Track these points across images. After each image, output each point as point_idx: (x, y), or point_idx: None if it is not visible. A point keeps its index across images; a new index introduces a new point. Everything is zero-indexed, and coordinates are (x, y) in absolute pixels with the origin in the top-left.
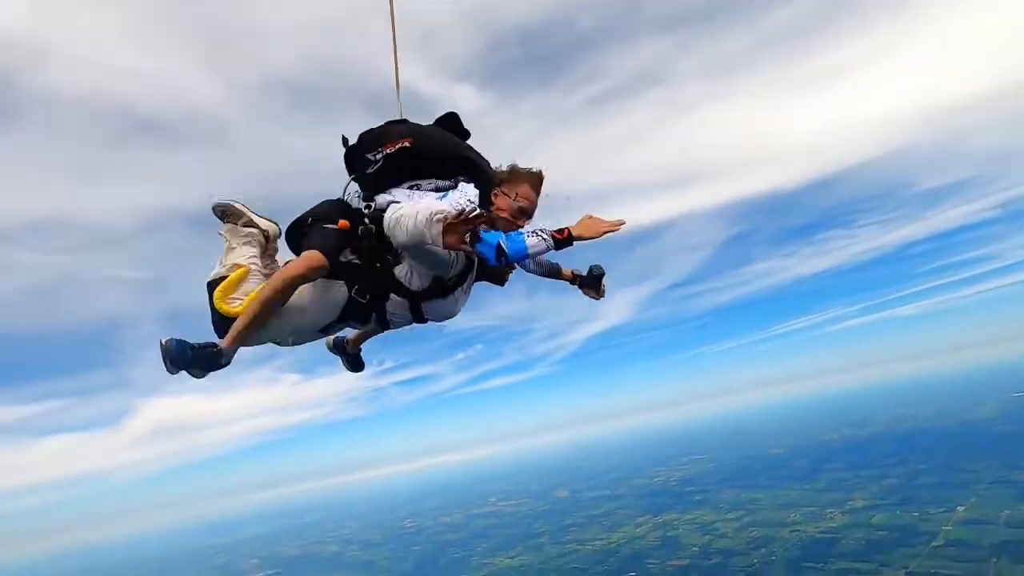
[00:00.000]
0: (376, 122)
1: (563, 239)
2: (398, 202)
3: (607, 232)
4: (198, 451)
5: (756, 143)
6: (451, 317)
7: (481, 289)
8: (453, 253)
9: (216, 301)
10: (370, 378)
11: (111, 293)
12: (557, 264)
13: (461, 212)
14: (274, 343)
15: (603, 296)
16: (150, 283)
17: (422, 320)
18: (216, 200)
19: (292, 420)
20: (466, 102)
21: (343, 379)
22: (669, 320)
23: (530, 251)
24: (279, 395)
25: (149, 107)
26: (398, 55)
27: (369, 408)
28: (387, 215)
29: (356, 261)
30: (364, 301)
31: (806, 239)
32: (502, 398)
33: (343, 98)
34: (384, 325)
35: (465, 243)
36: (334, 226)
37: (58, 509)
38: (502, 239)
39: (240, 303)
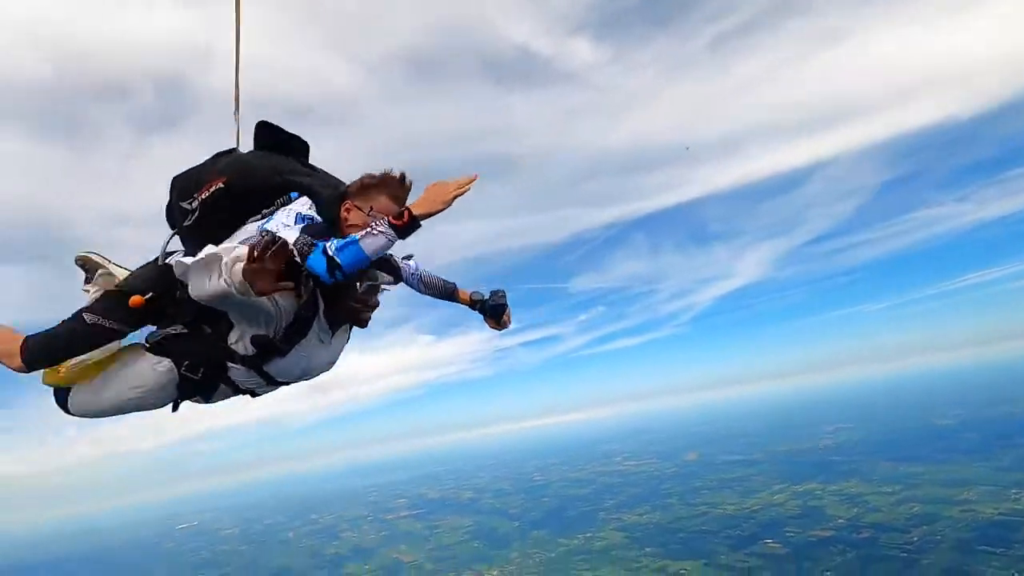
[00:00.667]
0: (487, 94)
1: (405, 224)
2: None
3: (457, 196)
4: (350, 404)
5: (921, 68)
6: (321, 370)
7: (604, 249)
8: (272, 300)
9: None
10: (495, 338)
11: None
12: (451, 284)
13: (256, 246)
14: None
15: (506, 328)
16: None
17: (280, 383)
18: (78, 252)
19: (426, 378)
20: (580, 56)
21: (472, 340)
22: (810, 277)
23: (369, 252)
24: (415, 355)
25: (292, 95)
26: (239, 62)
27: (495, 368)
28: (177, 265)
29: (183, 331)
30: (197, 377)
31: (986, 178)
32: (626, 359)
33: (464, 64)
34: (249, 391)
35: (280, 283)
36: (124, 304)
37: (241, 450)
38: (328, 246)
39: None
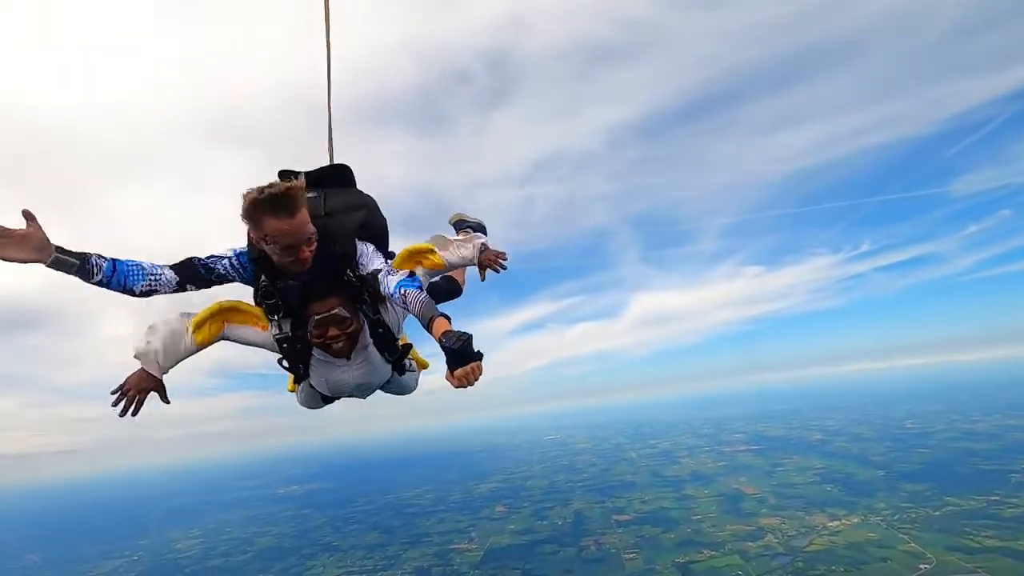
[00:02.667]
0: None
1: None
2: None
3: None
4: (679, 338)
5: None
6: (358, 388)
7: (1005, 132)
8: (254, 332)
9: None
10: (840, 265)
11: (595, 207)
12: (431, 314)
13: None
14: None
15: (463, 385)
16: (620, 195)
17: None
18: (451, 216)
19: (757, 312)
20: None
21: (809, 267)
22: None
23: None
24: (743, 287)
25: (599, 34)
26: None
27: (843, 298)
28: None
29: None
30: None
31: None
32: None
33: None
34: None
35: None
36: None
37: (586, 378)
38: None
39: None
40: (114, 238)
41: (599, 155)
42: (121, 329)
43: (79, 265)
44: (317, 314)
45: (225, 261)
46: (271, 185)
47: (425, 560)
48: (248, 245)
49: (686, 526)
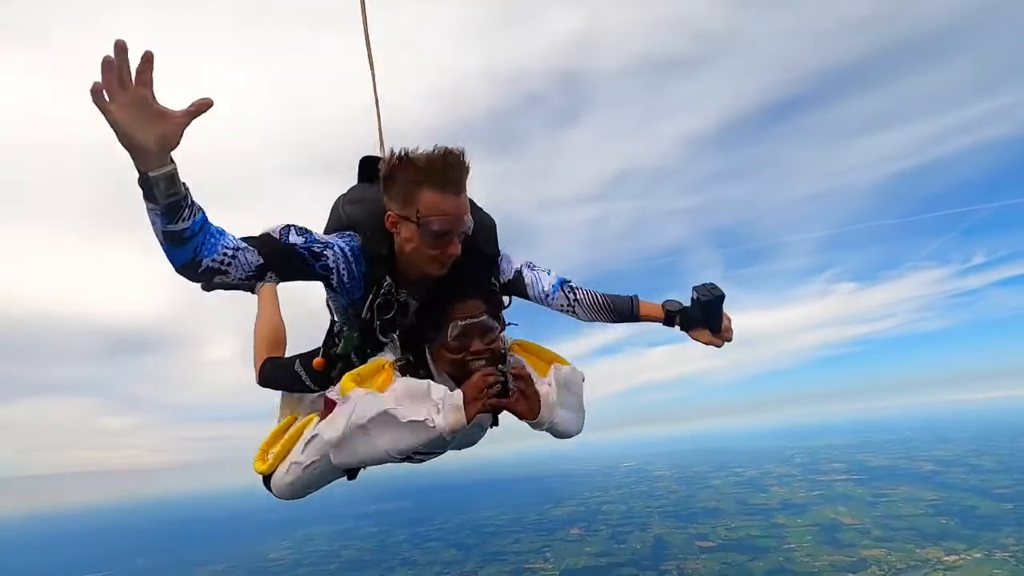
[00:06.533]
0: None
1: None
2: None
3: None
4: (767, 362)
5: None
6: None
7: None
8: None
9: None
10: (949, 279)
11: (671, 223)
12: (626, 299)
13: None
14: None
15: (727, 339)
16: (698, 210)
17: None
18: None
19: (854, 332)
20: None
21: (912, 283)
22: None
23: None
24: (835, 306)
25: (670, 46)
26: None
27: (955, 316)
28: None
29: None
30: None
31: None
32: None
33: None
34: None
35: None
36: None
37: (665, 404)
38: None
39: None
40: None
41: (673, 169)
42: (226, 352)
43: (183, 196)
44: (460, 318)
45: (337, 249)
46: (444, 150)
47: None
48: (367, 234)
49: (777, 555)
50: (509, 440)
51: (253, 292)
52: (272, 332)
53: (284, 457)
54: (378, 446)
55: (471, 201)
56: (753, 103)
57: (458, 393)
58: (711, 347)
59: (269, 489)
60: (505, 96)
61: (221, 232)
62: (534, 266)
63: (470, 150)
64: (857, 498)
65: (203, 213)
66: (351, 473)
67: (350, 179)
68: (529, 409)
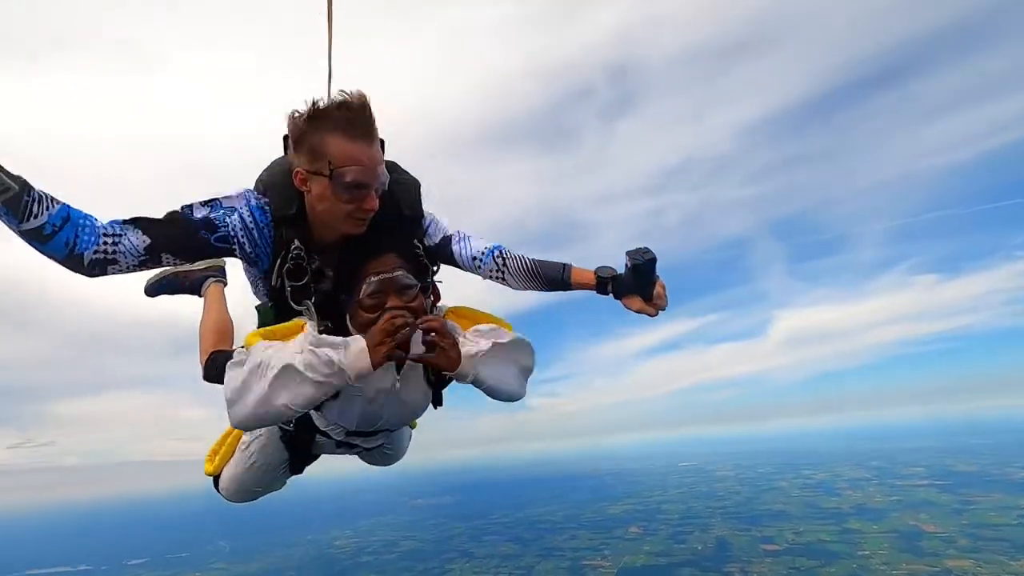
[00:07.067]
0: None
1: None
2: None
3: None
4: (839, 359)
5: None
6: (391, 419)
7: None
8: None
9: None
10: None
11: (731, 215)
12: (558, 265)
13: None
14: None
15: (660, 307)
16: (759, 200)
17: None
18: None
19: (936, 328)
20: None
21: (1002, 276)
22: None
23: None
24: (914, 300)
25: (725, 32)
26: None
27: None
28: None
29: None
30: (292, 431)
31: None
32: None
33: None
34: (346, 445)
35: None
36: None
37: (728, 403)
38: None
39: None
40: None
41: (732, 158)
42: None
43: (16, 192)
44: (374, 273)
45: (235, 217)
46: (347, 96)
47: (558, 573)
48: (272, 193)
49: (850, 561)
50: (563, 438)
51: (199, 295)
52: (218, 325)
53: (229, 458)
54: (277, 399)
55: (393, 163)
56: (817, 85)
57: (361, 337)
58: (644, 315)
59: (218, 491)
60: (554, 91)
61: (95, 221)
62: (466, 234)
63: (522, 147)
64: (941, 505)
65: (64, 205)
66: (295, 467)
67: None
68: (448, 361)
